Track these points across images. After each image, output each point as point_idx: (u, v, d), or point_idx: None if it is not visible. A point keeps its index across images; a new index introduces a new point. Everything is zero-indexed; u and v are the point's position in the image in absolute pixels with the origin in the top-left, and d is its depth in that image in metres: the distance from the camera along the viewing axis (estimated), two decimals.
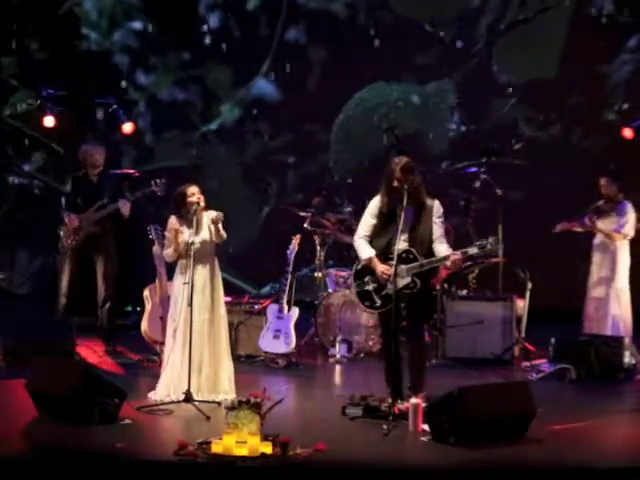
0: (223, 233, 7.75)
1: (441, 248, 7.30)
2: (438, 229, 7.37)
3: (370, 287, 7.42)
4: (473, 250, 7.25)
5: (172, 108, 12.83)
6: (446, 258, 7.25)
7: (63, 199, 9.77)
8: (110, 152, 10.33)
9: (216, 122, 12.96)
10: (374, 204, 7.46)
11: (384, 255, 7.30)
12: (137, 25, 12.86)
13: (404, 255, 7.28)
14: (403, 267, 7.26)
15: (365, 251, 7.42)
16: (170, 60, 12.89)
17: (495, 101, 12.47)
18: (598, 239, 9.58)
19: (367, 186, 7.80)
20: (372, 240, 7.43)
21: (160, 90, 12.92)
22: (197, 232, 7.66)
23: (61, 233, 9.67)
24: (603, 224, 9.50)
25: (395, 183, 7.26)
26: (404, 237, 7.31)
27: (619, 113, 12.03)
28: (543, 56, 12.19)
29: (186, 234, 7.74)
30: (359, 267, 7.52)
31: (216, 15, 12.89)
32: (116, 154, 12.11)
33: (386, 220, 7.36)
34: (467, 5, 12.46)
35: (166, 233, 7.95)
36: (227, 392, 7.64)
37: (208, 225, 7.78)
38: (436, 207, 7.41)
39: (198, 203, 7.70)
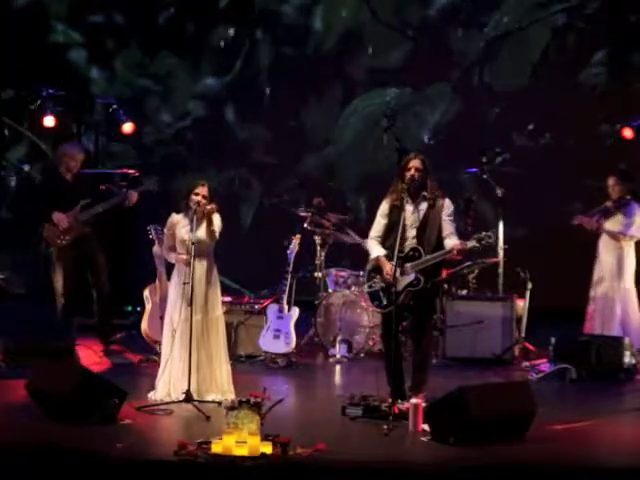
0: (215, 230, 7.67)
1: (450, 243, 7.32)
2: (448, 226, 7.41)
3: (378, 287, 7.47)
4: (471, 243, 7.28)
5: (133, 104, 12.84)
6: (449, 251, 7.28)
7: (40, 201, 9.62)
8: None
9: (188, 119, 12.99)
10: (384, 205, 7.54)
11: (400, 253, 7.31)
12: (97, 19, 12.82)
13: (411, 253, 7.34)
14: (408, 265, 7.30)
15: (374, 251, 7.50)
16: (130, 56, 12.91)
17: (486, 107, 12.50)
18: (604, 239, 9.55)
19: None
20: (384, 240, 7.50)
21: (120, 86, 12.95)
22: (195, 231, 7.63)
23: (44, 233, 9.52)
24: (610, 225, 9.47)
25: (410, 173, 7.32)
26: (412, 234, 7.38)
27: (606, 122, 12.05)
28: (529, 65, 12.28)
29: (185, 231, 7.72)
30: (369, 267, 7.59)
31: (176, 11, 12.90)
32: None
33: (395, 219, 7.40)
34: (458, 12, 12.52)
35: (165, 230, 7.92)
36: (225, 392, 7.61)
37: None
38: (446, 205, 7.45)
39: (198, 204, 7.67)
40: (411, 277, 7.33)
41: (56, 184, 9.59)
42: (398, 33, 12.65)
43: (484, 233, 7.28)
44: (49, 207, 9.44)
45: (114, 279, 9.95)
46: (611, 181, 9.52)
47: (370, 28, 12.69)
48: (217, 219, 7.73)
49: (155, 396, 7.57)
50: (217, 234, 7.71)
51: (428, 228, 7.38)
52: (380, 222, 7.55)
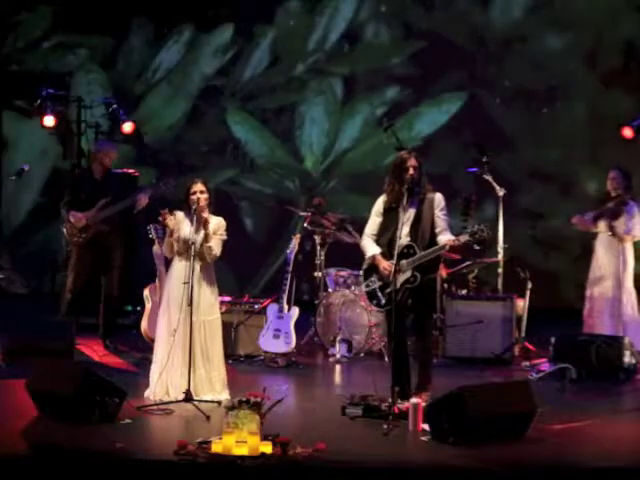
0: (214, 250, 7.60)
1: (444, 239, 7.31)
2: (441, 222, 7.39)
3: (376, 285, 7.46)
4: (464, 237, 7.24)
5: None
6: (443, 247, 7.27)
7: (66, 196, 9.74)
8: None
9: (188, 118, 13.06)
10: (379, 203, 7.53)
11: (389, 252, 7.32)
12: None
13: (405, 250, 7.31)
14: (404, 262, 7.28)
15: (370, 249, 7.48)
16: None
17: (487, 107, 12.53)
18: (600, 238, 9.56)
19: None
20: (378, 238, 7.49)
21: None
22: (196, 232, 7.61)
23: (64, 230, 9.65)
24: (614, 225, 9.46)
25: (409, 172, 7.28)
26: (406, 232, 7.35)
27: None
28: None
29: (187, 231, 7.69)
30: (365, 266, 7.58)
31: None
32: None
33: (390, 217, 7.39)
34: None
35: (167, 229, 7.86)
36: (219, 395, 7.58)
37: (213, 229, 7.66)
38: (437, 200, 7.43)
39: (198, 202, 7.65)
40: (407, 274, 7.32)
41: (84, 181, 9.68)
42: (399, 32, 12.69)
43: (477, 227, 7.23)
44: (72, 204, 9.53)
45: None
46: (612, 174, 9.53)
47: (371, 26, 12.72)
48: (221, 233, 7.69)
49: (153, 396, 7.54)
50: (214, 253, 7.64)
51: (421, 224, 7.36)
52: (375, 220, 7.53)
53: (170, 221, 7.65)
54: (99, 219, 9.51)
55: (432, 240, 7.37)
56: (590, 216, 9.58)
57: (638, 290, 9.54)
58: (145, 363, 8.90)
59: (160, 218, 7.65)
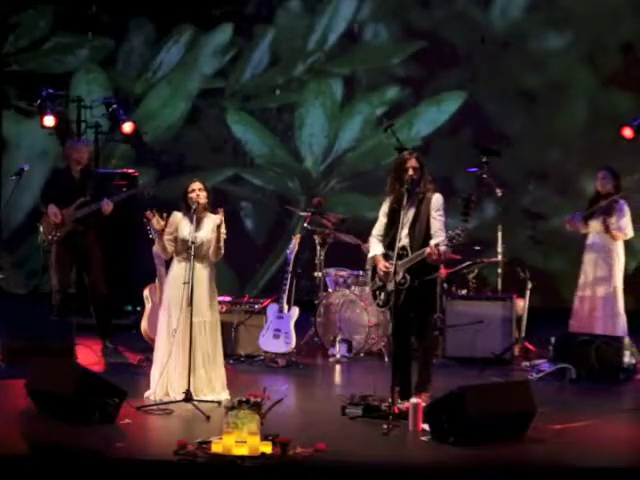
0: (222, 250, 7.66)
1: (433, 242, 7.30)
2: (436, 222, 7.38)
3: (376, 286, 7.50)
4: (445, 241, 7.25)
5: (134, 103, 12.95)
6: (422, 253, 7.27)
7: (42, 191, 9.73)
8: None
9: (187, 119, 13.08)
10: (385, 204, 7.56)
11: (391, 252, 7.35)
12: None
13: (400, 252, 7.33)
14: (399, 263, 7.30)
15: (372, 250, 7.55)
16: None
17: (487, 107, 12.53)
18: (591, 239, 9.57)
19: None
20: (384, 239, 7.53)
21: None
22: (196, 231, 7.61)
23: (41, 228, 9.57)
24: (608, 222, 9.46)
25: (408, 173, 7.30)
26: (405, 233, 7.38)
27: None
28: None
29: (186, 231, 7.69)
30: (368, 267, 7.67)
31: None
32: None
33: (394, 218, 7.42)
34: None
35: (167, 229, 7.85)
36: (219, 394, 7.57)
37: (212, 228, 7.67)
38: (434, 200, 7.41)
39: (197, 201, 7.65)
40: (399, 276, 7.33)
41: (62, 179, 9.66)
42: (399, 32, 12.69)
43: (455, 232, 7.23)
44: (50, 200, 9.49)
45: (114, 279, 9.96)
46: (601, 174, 9.54)
47: (371, 26, 12.72)
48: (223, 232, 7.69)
49: (154, 396, 7.54)
50: (221, 253, 7.69)
51: (418, 224, 7.37)
52: (381, 221, 7.57)
53: (157, 223, 7.65)
54: (74, 218, 9.48)
55: (426, 241, 7.37)
56: (579, 216, 9.59)
57: (633, 288, 9.56)
58: (145, 363, 8.94)
59: (144, 220, 7.67)
